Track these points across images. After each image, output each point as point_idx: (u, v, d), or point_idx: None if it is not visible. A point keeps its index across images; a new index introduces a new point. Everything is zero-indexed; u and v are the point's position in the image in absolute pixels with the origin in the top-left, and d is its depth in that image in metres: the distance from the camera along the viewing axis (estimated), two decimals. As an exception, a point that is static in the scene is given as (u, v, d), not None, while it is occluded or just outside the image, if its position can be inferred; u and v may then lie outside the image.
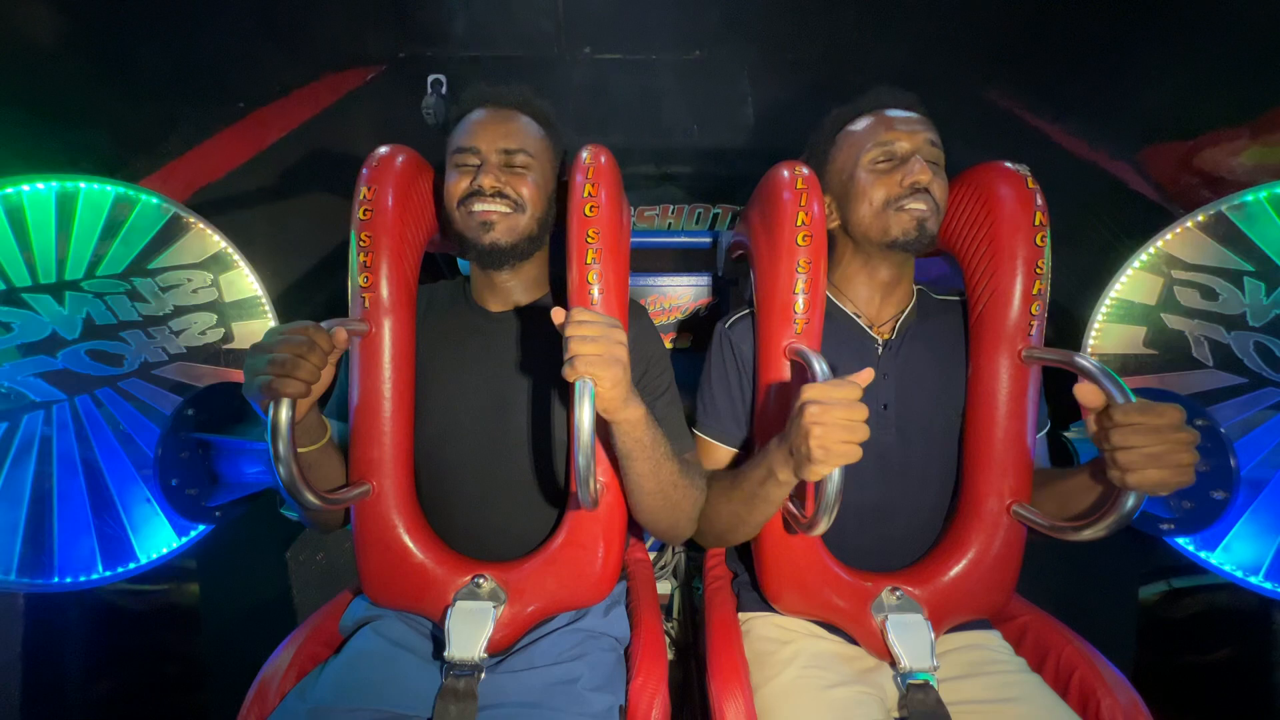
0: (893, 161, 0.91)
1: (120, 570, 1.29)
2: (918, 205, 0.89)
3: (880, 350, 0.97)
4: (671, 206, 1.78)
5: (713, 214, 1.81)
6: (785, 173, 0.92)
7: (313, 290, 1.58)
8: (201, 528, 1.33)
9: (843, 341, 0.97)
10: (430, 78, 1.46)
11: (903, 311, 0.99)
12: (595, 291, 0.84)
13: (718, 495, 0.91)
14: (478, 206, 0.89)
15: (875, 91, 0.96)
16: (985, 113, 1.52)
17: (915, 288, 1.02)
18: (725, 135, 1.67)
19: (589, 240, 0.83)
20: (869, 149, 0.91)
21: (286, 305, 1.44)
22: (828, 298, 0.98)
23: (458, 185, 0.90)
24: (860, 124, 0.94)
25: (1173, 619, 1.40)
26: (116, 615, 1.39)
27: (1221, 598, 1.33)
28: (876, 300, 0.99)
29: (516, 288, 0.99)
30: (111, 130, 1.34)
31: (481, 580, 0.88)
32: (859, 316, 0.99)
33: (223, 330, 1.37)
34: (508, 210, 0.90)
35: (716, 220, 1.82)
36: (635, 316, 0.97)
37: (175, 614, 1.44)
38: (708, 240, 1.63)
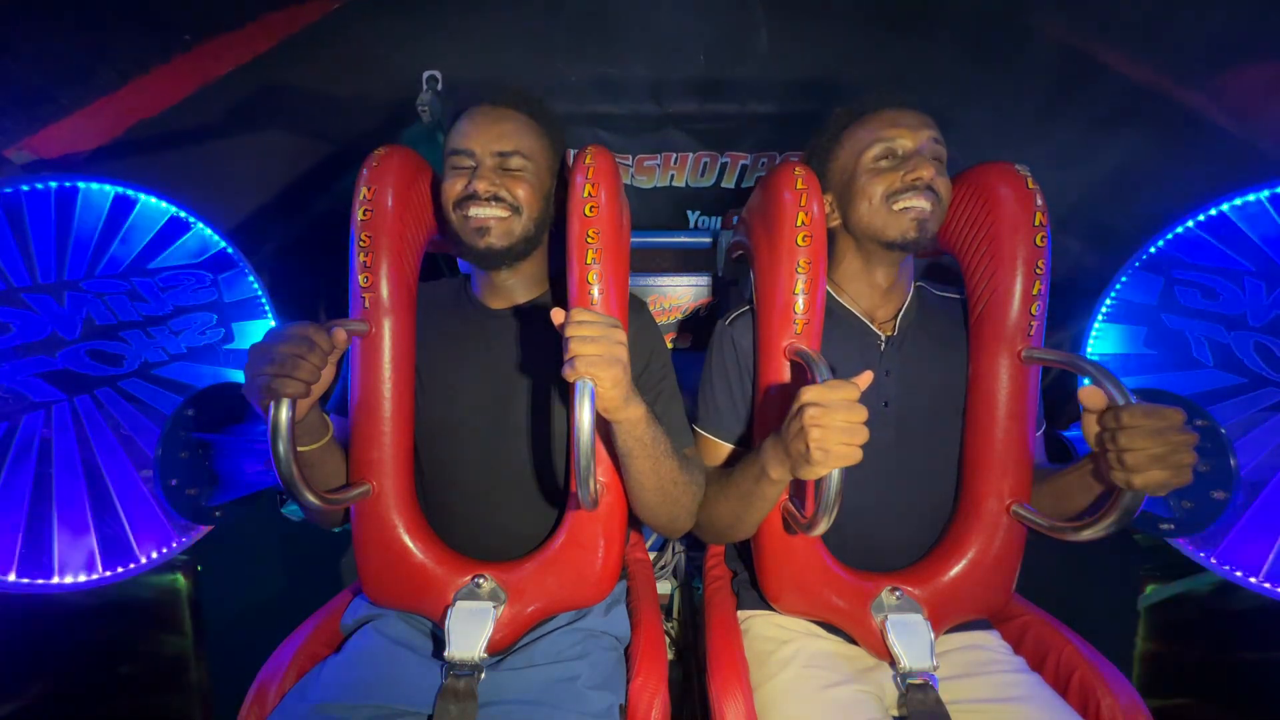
0: (895, 159, 0.91)
1: (120, 570, 1.29)
2: (918, 203, 0.89)
3: (883, 346, 0.97)
4: (674, 155, 1.60)
5: (720, 164, 1.61)
6: (785, 173, 0.92)
7: (258, 230, 1.49)
8: (201, 528, 1.33)
9: (845, 338, 0.97)
10: (425, 74, 1.43)
11: (902, 307, 0.99)
12: (595, 291, 0.84)
13: (716, 493, 0.91)
14: (473, 211, 0.89)
15: (878, 92, 0.96)
16: (1034, 43, 1.33)
17: (915, 284, 1.02)
18: (736, 68, 1.49)
19: (589, 240, 0.83)
20: (872, 146, 0.91)
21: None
22: (829, 295, 0.98)
23: (453, 187, 0.90)
24: (864, 122, 0.94)
25: (1173, 619, 1.40)
26: (116, 615, 1.39)
27: (1221, 598, 1.33)
28: (877, 298, 0.99)
29: (517, 286, 0.99)
30: (35, 59, 1.20)
31: (481, 580, 0.88)
32: (860, 313, 0.99)
33: (223, 330, 1.37)
34: (504, 214, 0.90)
35: (725, 172, 1.62)
36: (636, 312, 0.97)
37: (175, 614, 1.44)
38: (708, 240, 1.63)
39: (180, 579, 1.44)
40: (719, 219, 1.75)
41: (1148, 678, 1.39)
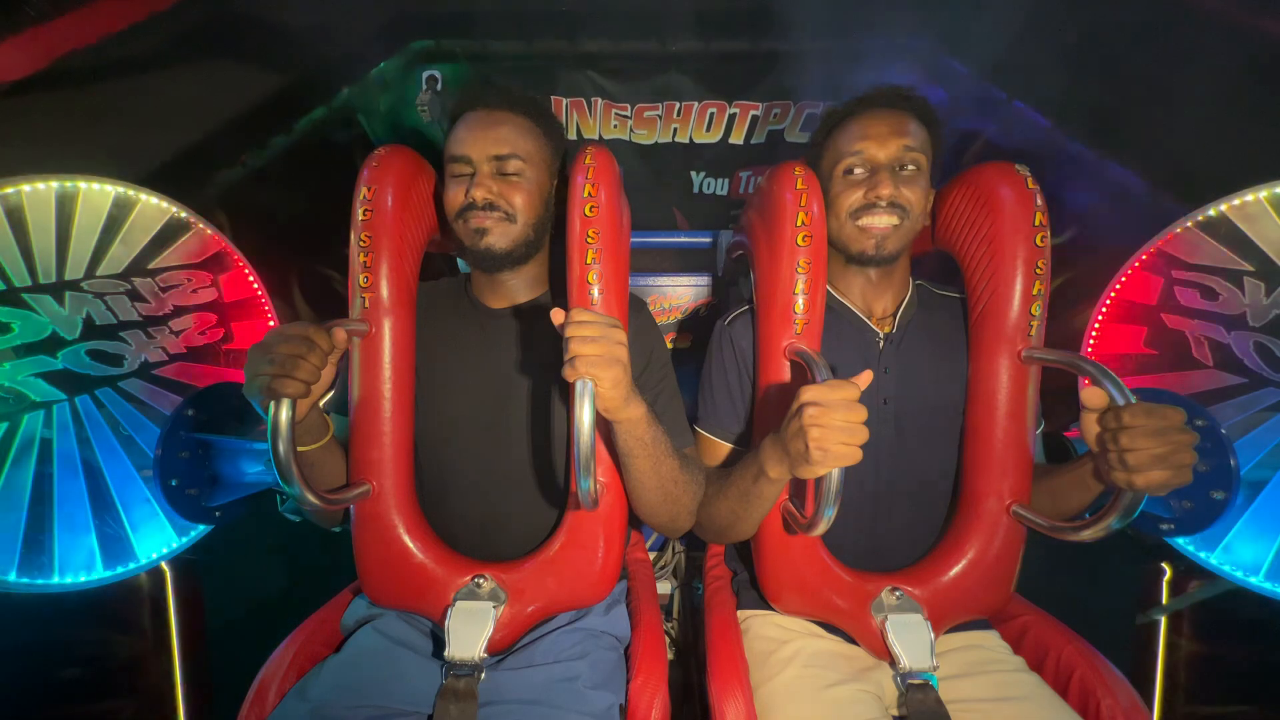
0: (865, 170, 0.92)
1: (120, 570, 1.29)
2: (879, 221, 0.90)
3: (881, 344, 0.97)
4: (678, 105, 1.44)
5: (729, 115, 1.45)
6: (785, 173, 0.92)
7: (199, 170, 1.38)
8: (201, 528, 1.33)
9: (845, 336, 0.97)
10: (425, 74, 1.41)
11: (901, 304, 1.00)
12: (595, 291, 0.84)
13: (715, 492, 0.92)
14: (472, 218, 0.90)
15: (868, 93, 0.96)
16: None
17: (914, 282, 1.02)
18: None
19: (589, 240, 0.83)
20: (844, 157, 0.93)
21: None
22: (828, 293, 0.99)
23: (454, 198, 0.91)
24: (844, 127, 0.95)
25: (1173, 619, 1.39)
26: (116, 615, 1.39)
27: (1222, 598, 1.32)
28: (872, 295, 0.99)
29: (517, 286, 0.99)
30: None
31: (481, 580, 0.88)
32: (859, 311, 0.99)
33: (223, 330, 1.37)
34: (501, 218, 0.91)
35: (733, 125, 1.46)
36: (635, 311, 0.97)
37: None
38: (708, 240, 1.63)
39: (141, 575, 1.35)
40: (726, 181, 1.60)
41: (1146, 677, 1.38)
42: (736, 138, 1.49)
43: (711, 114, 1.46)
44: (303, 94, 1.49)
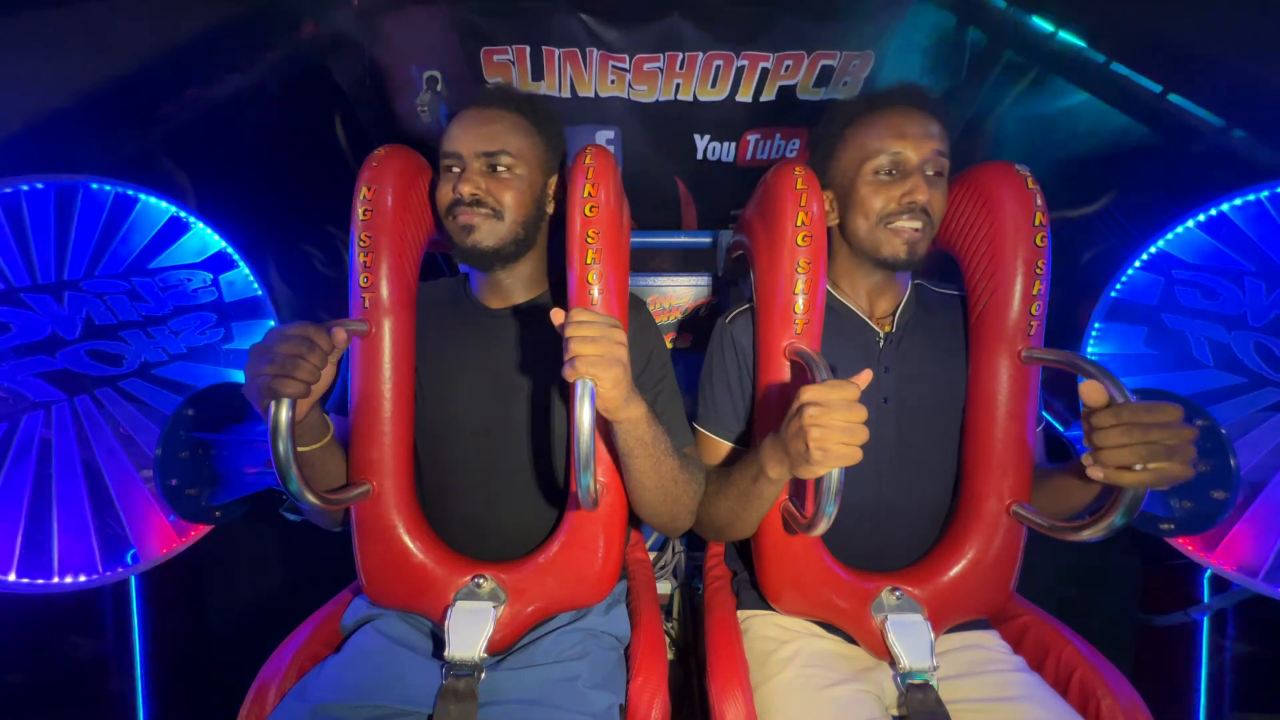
0: (897, 173, 0.90)
1: (120, 570, 1.29)
2: (911, 224, 0.90)
3: (881, 343, 0.97)
4: (681, 56, 1.30)
5: (736, 69, 1.31)
6: (785, 172, 0.92)
7: (146, 107, 1.27)
8: (202, 527, 1.33)
9: (844, 335, 0.97)
10: (425, 74, 1.40)
11: (900, 304, 0.99)
12: (595, 291, 0.84)
13: (715, 491, 0.92)
14: (460, 214, 0.91)
15: (890, 88, 0.95)
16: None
17: (912, 282, 1.02)
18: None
19: (589, 240, 0.83)
20: (875, 156, 0.91)
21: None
22: (828, 292, 0.99)
23: (444, 194, 0.92)
24: (870, 122, 0.93)
25: (1173, 619, 1.39)
26: (115, 615, 1.39)
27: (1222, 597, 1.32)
28: (874, 295, 0.99)
29: (515, 285, 0.99)
30: None
31: (481, 580, 0.88)
32: (859, 310, 0.99)
33: (223, 330, 1.37)
34: (488, 214, 0.91)
35: (741, 79, 1.32)
36: (635, 311, 0.97)
37: (175, 614, 1.43)
38: (708, 240, 1.63)
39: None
40: (733, 146, 1.48)
41: (1146, 677, 1.37)
42: (744, 94, 1.36)
43: (717, 66, 1.34)
44: (261, 25, 1.36)
